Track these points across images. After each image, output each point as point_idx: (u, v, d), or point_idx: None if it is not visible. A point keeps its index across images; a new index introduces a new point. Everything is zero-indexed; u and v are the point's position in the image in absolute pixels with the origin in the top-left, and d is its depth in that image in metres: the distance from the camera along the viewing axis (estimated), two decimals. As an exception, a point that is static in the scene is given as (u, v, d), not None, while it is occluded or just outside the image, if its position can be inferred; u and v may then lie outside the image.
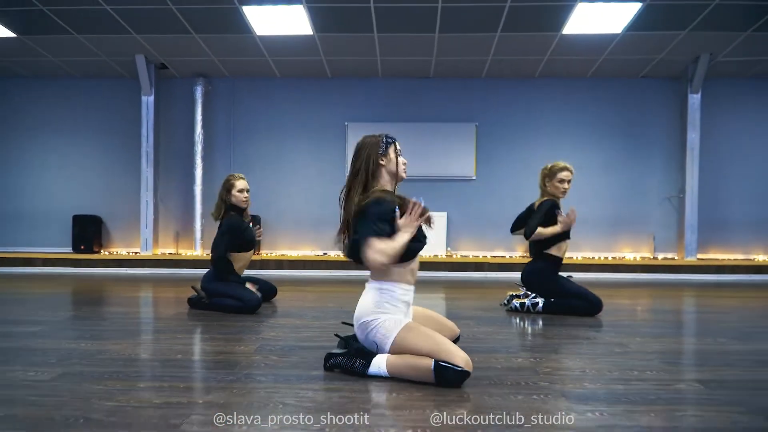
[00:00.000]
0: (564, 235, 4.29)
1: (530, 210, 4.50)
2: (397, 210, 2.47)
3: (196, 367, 2.77)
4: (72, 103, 8.82)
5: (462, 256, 8.50)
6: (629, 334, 3.62)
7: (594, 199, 8.64)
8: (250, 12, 6.40)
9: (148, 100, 8.26)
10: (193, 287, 4.52)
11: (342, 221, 2.64)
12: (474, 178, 8.66)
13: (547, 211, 4.25)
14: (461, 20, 6.55)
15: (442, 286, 6.51)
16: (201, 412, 2.00)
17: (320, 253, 8.61)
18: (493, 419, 1.96)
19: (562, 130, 8.69)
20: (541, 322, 4.03)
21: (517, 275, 4.78)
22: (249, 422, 1.91)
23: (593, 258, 8.40)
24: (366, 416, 1.99)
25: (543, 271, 4.30)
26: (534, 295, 4.34)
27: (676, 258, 8.43)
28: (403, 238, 2.40)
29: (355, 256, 2.50)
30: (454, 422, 1.95)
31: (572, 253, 8.54)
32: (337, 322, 3.78)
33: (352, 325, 2.66)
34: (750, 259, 8.33)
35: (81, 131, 8.82)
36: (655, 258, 8.44)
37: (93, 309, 4.73)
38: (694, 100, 8.17)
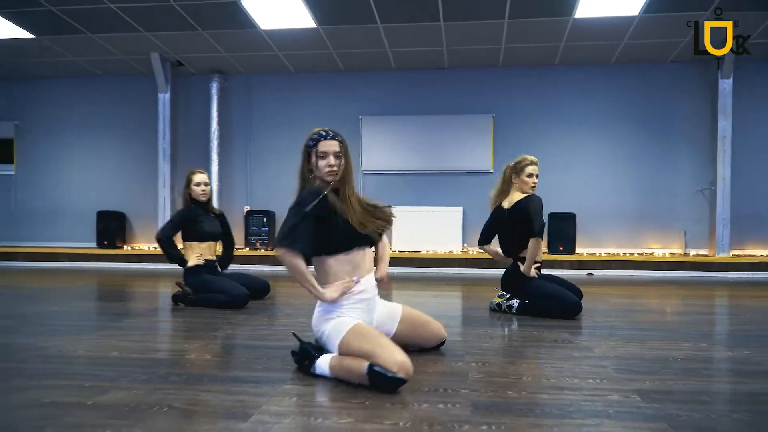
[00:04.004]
0: (532, 235, 3.97)
1: (497, 216, 4.16)
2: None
3: (121, 366, 2.68)
4: (93, 101, 9.15)
5: (477, 252, 8.26)
6: (603, 337, 3.35)
7: (618, 192, 8.23)
8: (249, 6, 6.40)
9: (164, 97, 8.44)
10: (177, 284, 4.54)
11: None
12: (491, 171, 8.38)
13: (541, 206, 3.96)
14: (465, 7, 6.33)
15: (457, 283, 6.34)
16: (75, 414, 1.96)
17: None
18: (369, 427, 1.86)
19: (585, 121, 8.30)
20: (517, 324, 3.82)
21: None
22: (113, 428, 1.84)
23: (618, 254, 7.97)
24: (241, 425, 1.89)
25: (516, 272, 4.09)
26: (510, 295, 4.14)
27: (708, 254, 7.90)
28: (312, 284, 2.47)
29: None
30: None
31: (595, 249, 8.18)
32: (306, 321, 3.69)
33: (297, 338, 2.65)
34: (791, 256, 7.72)
35: (102, 128, 9.14)
36: (686, 254, 7.94)
37: (75, 305, 4.81)
38: (725, 85, 7.61)
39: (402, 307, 2.84)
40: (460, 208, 8.25)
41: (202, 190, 4.52)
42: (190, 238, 4.52)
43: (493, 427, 1.86)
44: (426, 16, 6.59)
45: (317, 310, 2.58)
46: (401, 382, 2.21)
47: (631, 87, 8.24)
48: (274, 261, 7.98)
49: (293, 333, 2.74)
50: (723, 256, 7.66)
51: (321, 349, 2.53)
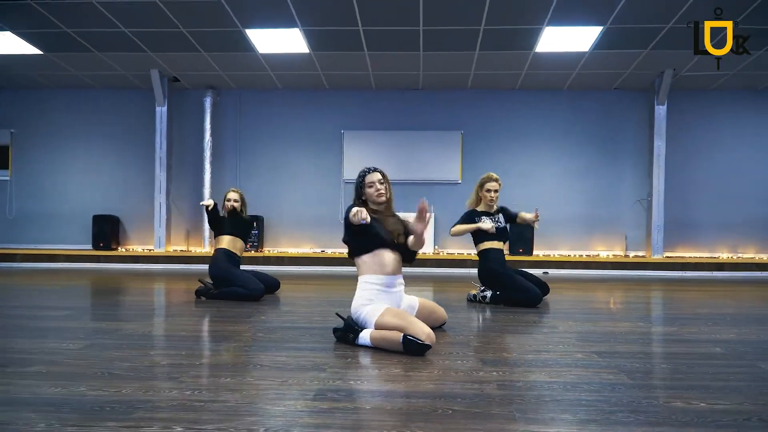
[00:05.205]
0: (488, 236, 4.91)
1: None
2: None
3: (197, 341, 3.41)
4: (93, 113, 9.66)
5: (448, 253, 9.18)
6: (564, 319, 4.22)
7: (570, 201, 9.32)
8: (252, 34, 7.12)
9: (161, 111, 9.04)
10: (200, 280, 5.25)
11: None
12: (459, 182, 9.34)
13: (464, 217, 4.98)
14: (442, 40, 7.23)
15: (429, 281, 7.15)
16: (196, 369, 2.63)
17: (318, 250, 9.33)
18: (418, 375, 2.62)
19: (542, 138, 9.36)
20: (494, 311, 4.64)
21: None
22: (231, 377, 2.52)
23: (569, 256, 9.07)
24: (323, 374, 2.66)
25: (485, 267, 4.96)
26: (484, 288, 5.02)
27: (645, 256, 9.06)
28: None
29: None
30: (385, 377, 2.65)
31: (550, 251, 9.23)
32: (321, 310, 4.50)
33: (340, 316, 3.39)
34: (714, 257, 8.96)
35: (101, 138, 9.66)
36: (626, 256, 9.09)
37: (114, 298, 5.48)
38: (661, 110, 8.80)
39: (419, 299, 3.63)
40: (432, 215, 9.11)
41: (231, 205, 5.37)
42: (217, 234, 5.38)
43: (500, 372, 2.67)
44: (408, 47, 7.46)
45: (354, 300, 3.31)
46: (428, 347, 2.96)
47: (581, 110, 9.37)
48: (264, 261, 8.68)
49: (336, 313, 3.52)
50: (657, 257, 8.83)
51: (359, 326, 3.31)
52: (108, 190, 9.63)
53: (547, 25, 6.69)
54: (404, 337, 2.96)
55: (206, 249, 9.28)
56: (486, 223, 4.87)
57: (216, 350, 3.13)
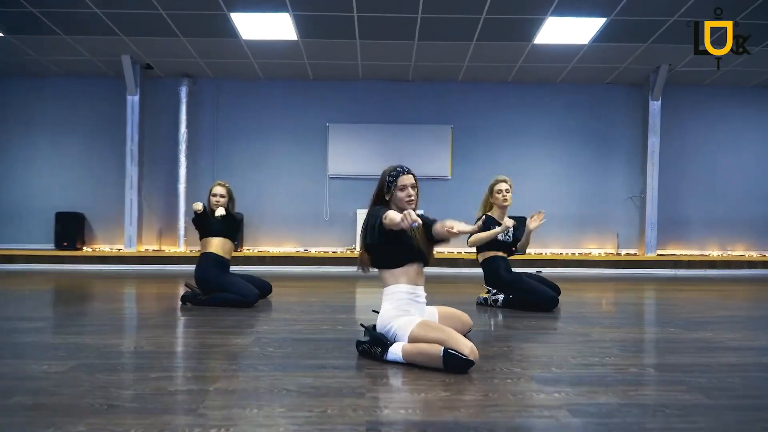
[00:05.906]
0: (496, 246, 4.70)
1: None
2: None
3: (201, 358, 2.98)
4: (56, 102, 8.99)
5: (437, 252, 8.88)
6: (591, 325, 4.01)
7: (562, 198, 9.15)
8: (237, 18, 6.67)
9: (133, 100, 8.46)
10: (186, 284, 4.78)
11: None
12: (449, 177, 9.06)
13: (482, 226, 4.69)
14: (439, 29, 6.93)
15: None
16: (213, 398, 2.22)
17: (301, 249, 8.91)
18: (474, 401, 2.27)
19: (534, 133, 9.16)
20: (509, 316, 4.38)
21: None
22: (258, 407, 2.12)
23: (561, 254, 8.89)
24: (362, 401, 2.28)
25: (492, 274, 4.73)
26: (495, 291, 4.75)
27: (638, 254, 8.96)
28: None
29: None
30: (436, 403, 2.30)
31: (542, 249, 9.03)
32: (325, 317, 4.12)
33: (364, 327, 3.08)
34: (705, 255, 8.92)
35: (65, 129, 8.99)
36: (618, 254, 8.97)
37: (89, 306, 4.97)
38: (655, 106, 8.71)
39: (436, 307, 3.28)
40: (421, 212, 8.80)
41: (216, 201, 4.83)
42: (204, 235, 4.81)
43: (562, 393, 2.35)
44: (402, 36, 7.13)
45: (382, 313, 2.97)
46: (472, 363, 2.63)
47: (574, 105, 9.20)
48: (245, 261, 8.22)
49: (362, 324, 3.15)
50: (651, 255, 8.74)
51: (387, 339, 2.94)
52: (73, 186, 8.96)
53: (551, 15, 6.45)
54: (445, 350, 2.64)
55: (181, 249, 8.74)
56: (496, 229, 4.60)
57: (227, 370, 2.71)
